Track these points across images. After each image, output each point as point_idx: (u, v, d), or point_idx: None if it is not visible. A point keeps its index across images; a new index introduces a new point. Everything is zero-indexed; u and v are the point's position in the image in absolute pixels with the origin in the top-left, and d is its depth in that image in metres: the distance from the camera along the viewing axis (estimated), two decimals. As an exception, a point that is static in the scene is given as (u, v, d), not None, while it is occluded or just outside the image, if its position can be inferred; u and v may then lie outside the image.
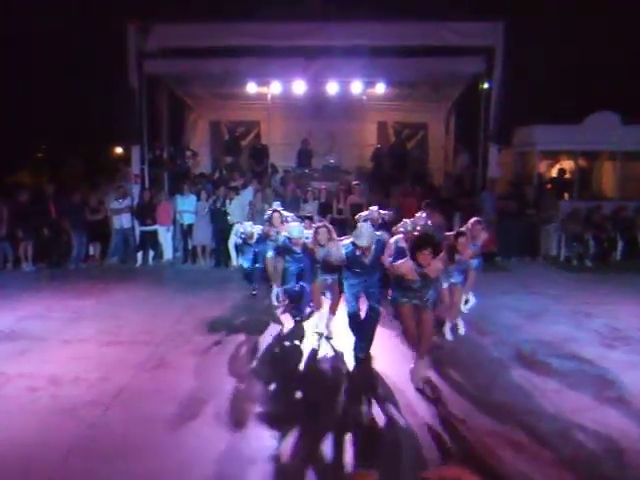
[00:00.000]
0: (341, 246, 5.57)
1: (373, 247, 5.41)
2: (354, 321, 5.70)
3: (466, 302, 7.07)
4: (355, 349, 5.63)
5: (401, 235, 6.53)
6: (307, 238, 6.27)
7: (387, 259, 5.56)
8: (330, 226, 6.00)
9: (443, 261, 5.14)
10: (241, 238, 7.90)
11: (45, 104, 16.21)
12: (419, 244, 4.71)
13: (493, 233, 10.79)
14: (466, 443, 3.86)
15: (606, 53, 14.43)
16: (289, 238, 6.49)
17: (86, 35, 14.89)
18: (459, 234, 5.97)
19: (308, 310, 6.87)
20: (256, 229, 7.68)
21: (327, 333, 6.17)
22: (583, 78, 14.64)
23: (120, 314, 7.09)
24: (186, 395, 4.62)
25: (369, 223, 6.26)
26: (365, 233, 5.35)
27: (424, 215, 6.80)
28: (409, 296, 4.87)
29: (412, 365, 4.98)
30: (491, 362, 5.48)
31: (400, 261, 5.03)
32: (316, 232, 5.90)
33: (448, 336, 6.20)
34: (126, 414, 4.28)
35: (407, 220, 6.67)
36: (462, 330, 6.37)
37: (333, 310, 6.28)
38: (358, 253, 5.42)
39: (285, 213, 7.49)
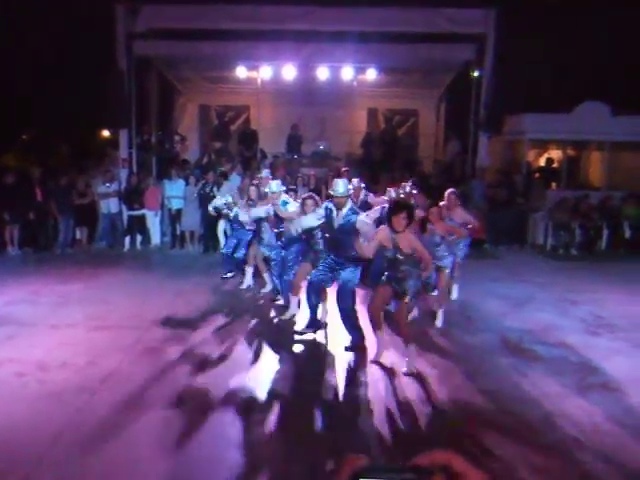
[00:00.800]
0: (317, 210, 5.61)
1: (346, 210, 5.33)
2: (312, 290, 5.65)
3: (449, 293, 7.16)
4: (352, 339, 5.46)
5: (386, 205, 6.64)
6: (284, 206, 6.33)
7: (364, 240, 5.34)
8: (317, 197, 6.00)
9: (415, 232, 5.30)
10: (222, 207, 7.88)
11: (31, 86, 15.92)
12: (395, 208, 4.81)
13: (482, 221, 10.85)
14: (452, 429, 3.92)
15: (598, 44, 14.44)
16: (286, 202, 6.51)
17: (74, 16, 14.59)
18: (431, 205, 6.15)
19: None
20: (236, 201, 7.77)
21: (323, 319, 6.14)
22: (574, 67, 14.65)
23: (108, 299, 7.05)
24: (174, 380, 4.62)
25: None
26: (341, 183, 5.39)
27: (409, 184, 6.94)
28: (388, 276, 4.92)
29: (405, 355, 4.98)
30: (477, 349, 5.54)
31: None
32: (303, 203, 5.92)
33: (438, 323, 6.21)
34: (114, 399, 4.27)
35: (391, 189, 6.82)
36: (439, 322, 6.24)
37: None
38: (332, 214, 5.40)
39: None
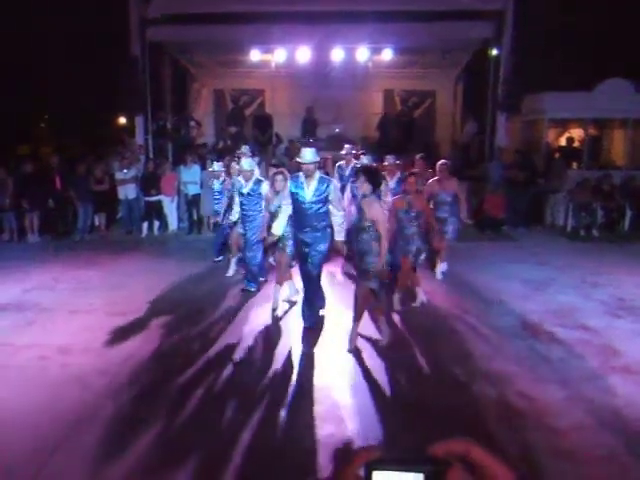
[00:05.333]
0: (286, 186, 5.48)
1: (316, 183, 5.17)
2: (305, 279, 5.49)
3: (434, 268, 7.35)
4: (303, 318, 5.52)
5: (343, 162, 7.50)
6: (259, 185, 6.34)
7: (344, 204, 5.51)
8: (287, 173, 5.91)
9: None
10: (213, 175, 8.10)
11: (46, 74, 16.03)
12: (358, 172, 4.90)
13: (502, 198, 10.66)
14: (470, 412, 3.88)
15: (621, 19, 14.01)
16: (238, 181, 6.49)
17: (87, 2, 14.61)
18: (409, 174, 6.01)
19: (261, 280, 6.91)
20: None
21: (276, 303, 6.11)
22: (596, 44, 14.26)
23: (126, 284, 7.12)
24: (193, 365, 4.65)
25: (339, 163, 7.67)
26: (308, 151, 5.22)
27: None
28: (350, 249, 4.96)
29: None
30: (497, 331, 5.47)
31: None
32: (273, 179, 5.88)
33: (396, 306, 6.06)
34: (133, 383, 4.32)
35: (347, 145, 7.71)
36: (422, 298, 6.18)
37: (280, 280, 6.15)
38: (302, 181, 5.19)
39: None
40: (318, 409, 3.93)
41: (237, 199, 6.53)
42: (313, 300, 5.55)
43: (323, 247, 5.30)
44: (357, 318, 4.97)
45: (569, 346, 5.06)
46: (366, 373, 4.52)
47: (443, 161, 7.19)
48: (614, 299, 6.51)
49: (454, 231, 7.14)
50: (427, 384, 4.33)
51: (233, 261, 7.67)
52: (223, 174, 7.90)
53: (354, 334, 4.99)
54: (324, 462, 3.29)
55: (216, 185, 8.00)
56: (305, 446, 3.47)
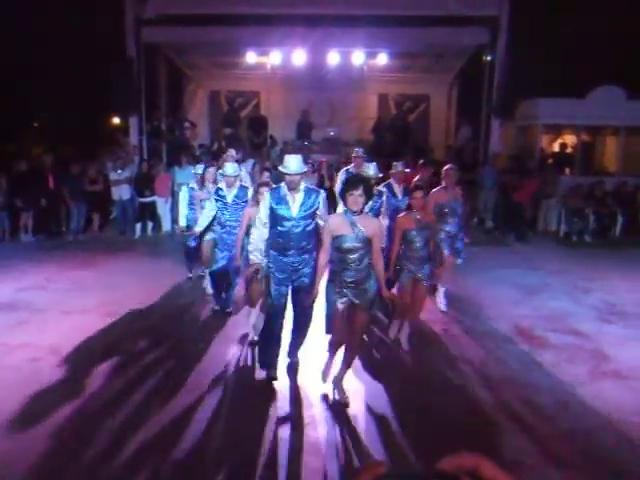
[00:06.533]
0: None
1: (302, 195, 4.27)
2: (271, 323, 4.48)
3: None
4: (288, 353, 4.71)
5: (351, 165, 6.71)
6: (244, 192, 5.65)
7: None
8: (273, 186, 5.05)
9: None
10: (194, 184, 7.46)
11: (41, 74, 15.95)
12: (348, 185, 3.92)
13: (535, 184, 10.63)
14: (463, 417, 3.90)
15: (614, 26, 14.13)
16: (220, 188, 5.72)
17: (83, 2, 14.56)
18: (415, 187, 5.07)
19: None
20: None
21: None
22: (589, 51, 14.37)
23: (120, 285, 7.09)
24: (186, 367, 4.64)
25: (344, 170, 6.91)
26: (293, 159, 4.23)
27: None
28: (345, 276, 3.94)
29: (324, 365, 4.33)
30: (489, 336, 5.51)
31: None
32: (257, 191, 5.04)
33: (404, 345, 5.13)
34: (127, 385, 4.31)
35: (357, 148, 7.00)
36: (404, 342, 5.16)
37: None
38: (284, 194, 4.25)
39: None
40: (315, 414, 3.93)
41: (209, 209, 5.88)
42: (300, 334, 4.68)
43: (311, 271, 4.36)
44: (336, 349, 4.26)
45: (561, 351, 5.10)
46: (360, 378, 4.53)
47: (450, 165, 6.31)
48: (606, 304, 6.56)
49: (462, 248, 6.31)
50: (419, 389, 4.34)
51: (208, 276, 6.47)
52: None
53: (329, 365, 4.28)
54: (324, 468, 3.29)
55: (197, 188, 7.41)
56: (303, 453, 3.47)
